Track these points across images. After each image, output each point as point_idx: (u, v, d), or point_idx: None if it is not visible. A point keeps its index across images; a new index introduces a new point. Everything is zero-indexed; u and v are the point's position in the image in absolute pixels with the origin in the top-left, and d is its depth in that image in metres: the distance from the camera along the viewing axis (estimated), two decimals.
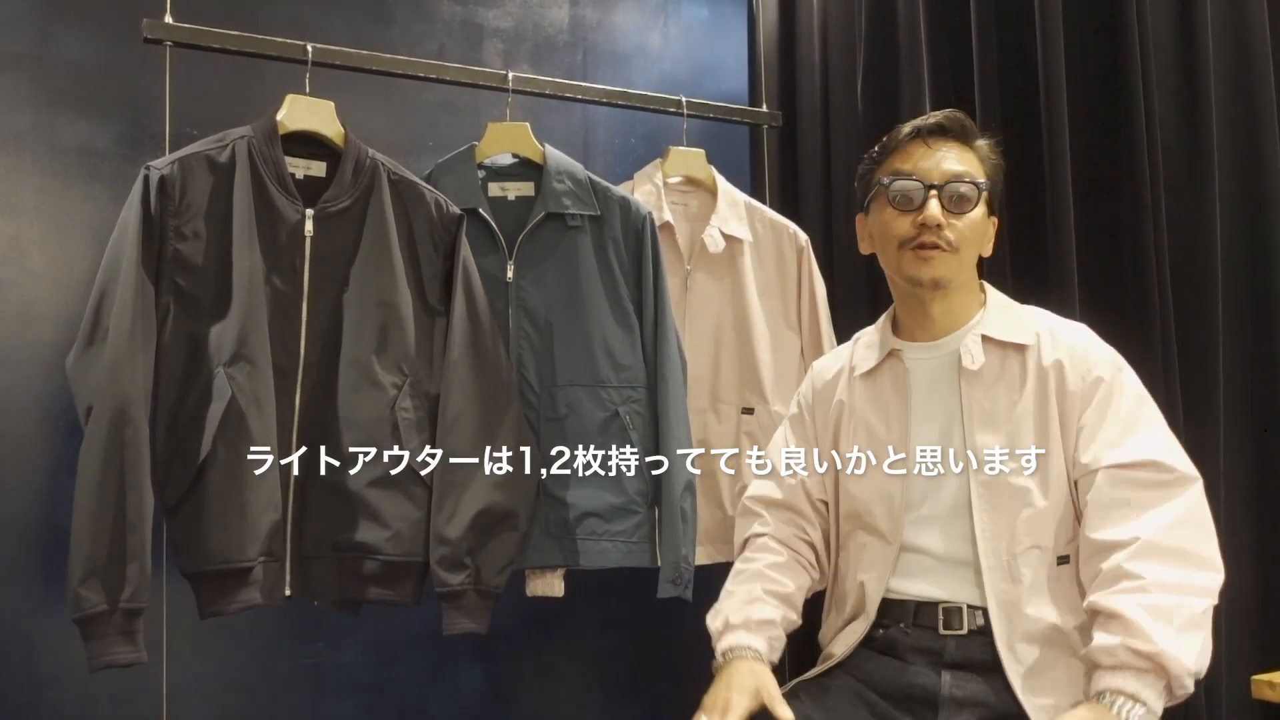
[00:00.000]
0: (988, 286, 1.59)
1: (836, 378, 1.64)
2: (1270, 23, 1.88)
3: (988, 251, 1.57)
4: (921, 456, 1.51)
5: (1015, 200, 1.93)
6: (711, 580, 2.05)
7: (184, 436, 1.63)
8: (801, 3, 2.49)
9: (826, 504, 1.63)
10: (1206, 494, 1.77)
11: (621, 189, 2.02)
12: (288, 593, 1.71)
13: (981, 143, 1.55)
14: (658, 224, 2.00)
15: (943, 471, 1.49)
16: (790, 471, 1.64)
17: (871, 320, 1.78)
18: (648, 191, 2.12)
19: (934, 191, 1.48)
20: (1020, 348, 1.49)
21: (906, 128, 1.53)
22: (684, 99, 2.22)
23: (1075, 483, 1.44)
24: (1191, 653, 1.26)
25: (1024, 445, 1.45)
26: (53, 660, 1.84)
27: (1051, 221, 1.82)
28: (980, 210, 1.51)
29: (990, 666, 1.40)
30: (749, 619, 1.49)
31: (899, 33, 2.18)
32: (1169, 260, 1.81)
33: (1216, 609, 1.65)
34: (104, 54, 1.95)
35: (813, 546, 1.63)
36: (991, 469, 1.45)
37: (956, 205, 1.49)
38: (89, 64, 1.95)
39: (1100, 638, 1.29)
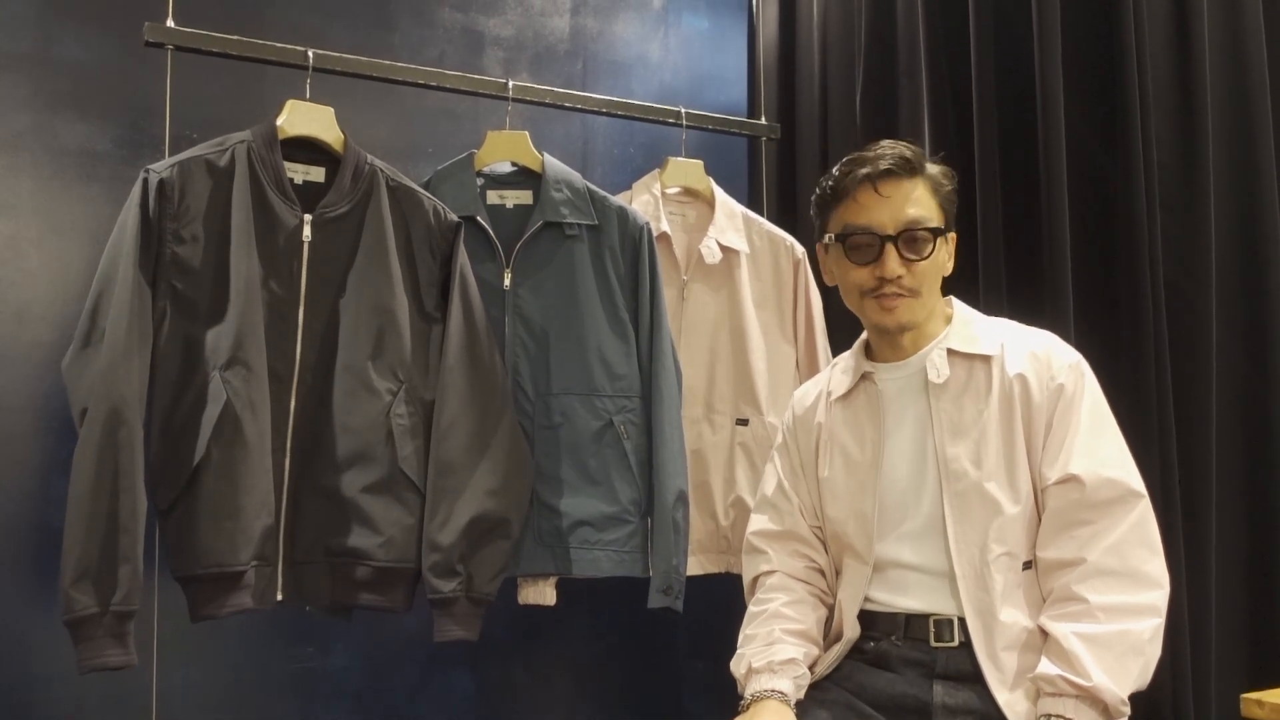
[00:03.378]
0: (955, 301, 1.60)
1: (815, 403, 1.66)
2: (1266, 41, 1.89)
3: (949, 271, 1.58)
4: (895, 474, 1.52)
5: (1011, 217, 1.93)
6: (703, 591, 2.06)
7: (178, 439, 1.63)
8: (801, 15, 2.50)
9: (821, 528, 1.64)
10: (1199, 512, 1.77)
11: (619, 199, 2.03)
12: (279, 597, 1.71)
13: (933, 169, 1.54)
14: (655, 234, 2.01)
15: (917, 486, 1.50)
16: (787, 501, 1.65)
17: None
18: (645, 201, 2.13)
19: (890, 244, 1.49)
20: (985, 359, 1.51)
21: (859, 173, 1.51)
22: (683, 110, 2.23)
23: (1040, 491, 1.46)
24: (1128, 681, 1.34)
25: (992, 454, 1.47)
26: (43, 662, 1.83)
27: (1047, 238, 1.83)
28: (938, 248, 1.52)
29: (976, 676, 1.42)
30: (771, 662, 1.50)
31: (898, 47, 2.19)
32: (1164, 277, 1.81)
33: (1205, 627, 1.65)
34: (105, 56, 1.95)
35: (823, 573, 1.64)
36: (962, 479, 1.47)
37: (914, 251, 1.50)
38: (90, 66, 1.95)
39: (1044, 665, 1.36)
